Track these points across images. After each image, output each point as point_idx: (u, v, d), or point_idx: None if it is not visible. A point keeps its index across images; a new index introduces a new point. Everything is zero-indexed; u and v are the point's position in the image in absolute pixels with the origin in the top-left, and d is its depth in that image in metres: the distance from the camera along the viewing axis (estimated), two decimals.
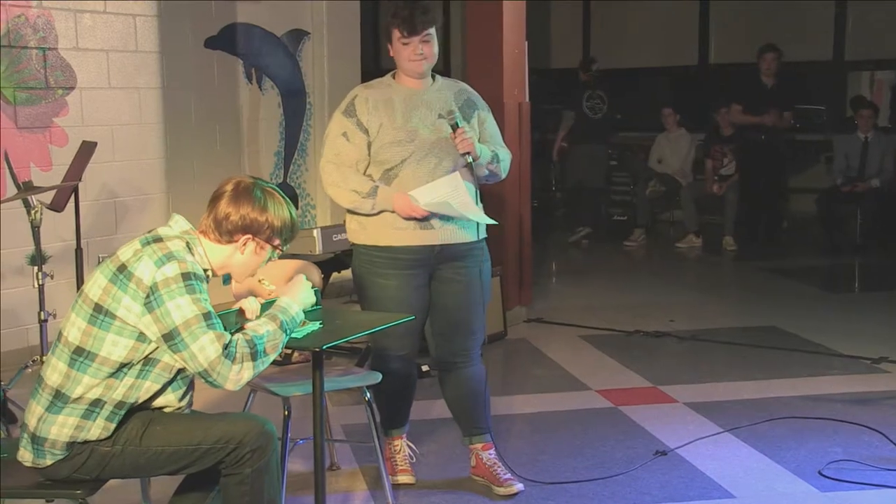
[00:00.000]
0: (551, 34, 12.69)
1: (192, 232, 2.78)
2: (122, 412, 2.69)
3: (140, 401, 2.71)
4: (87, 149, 4.92)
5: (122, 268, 2.65)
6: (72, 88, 5.69)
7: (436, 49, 3.64)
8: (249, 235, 2.76)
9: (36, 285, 4.55)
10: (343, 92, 7.15)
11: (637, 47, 12.10)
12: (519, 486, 3.77)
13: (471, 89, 3.84)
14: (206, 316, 2.61)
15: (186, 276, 2.62)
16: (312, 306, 3.13)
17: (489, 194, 6.14)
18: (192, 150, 6.34)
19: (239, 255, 2.79)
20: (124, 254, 2.69)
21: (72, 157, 4.99)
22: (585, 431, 4.47)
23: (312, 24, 7.10)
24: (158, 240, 2.69)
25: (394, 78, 3.73)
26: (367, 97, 3.66)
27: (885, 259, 8.54)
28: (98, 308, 2.64)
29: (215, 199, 2.78)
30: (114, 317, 2.62)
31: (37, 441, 2.66)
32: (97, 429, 2.66)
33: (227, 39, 6.57)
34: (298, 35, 7.07)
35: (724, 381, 5.18)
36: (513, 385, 5.43)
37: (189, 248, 2.72)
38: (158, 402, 2.75)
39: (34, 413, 2.68)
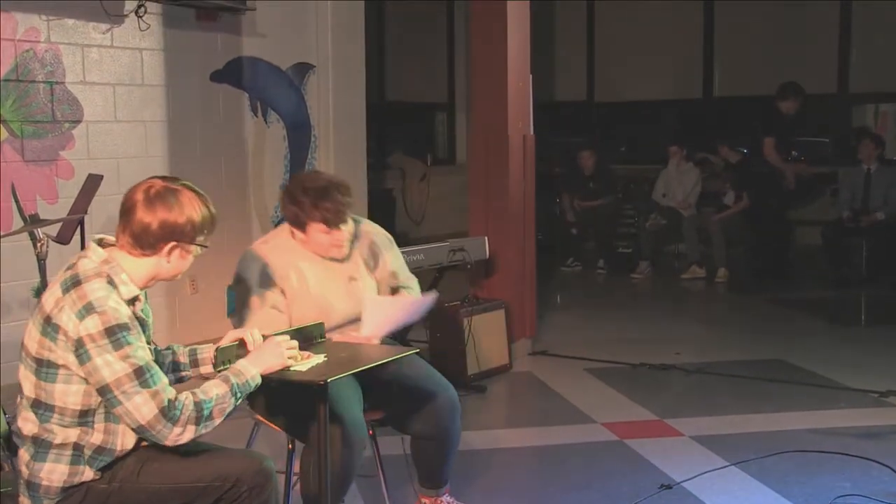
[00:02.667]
0: (556, 67, 12.77)
1: (112, 258, 2.62)
2: (109, 458, 2.61)
3: (123, 446, 2.62)
4: (92, 182, 4.94)
5: (48, 319, 2.53)
6: (78, 122, 5.73)
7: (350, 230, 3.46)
8: (174, 242, 2.64)
9: None
10: (348, 125, 7.27)
11: (641, 80, 12.16)
12: None
13: (370, 229, 3.64)
14: (138, 372, 2.48)
15: (111, 332, 2.48)
16: (318, 339, 3.10)
17: (494, 226, 6.16)
18: (197, 183, 6.23)
19: (165, 263, 2.66)
20: (48, 302, 2.56)
21: (78, 189, 5.01)
22: (591, 465, 4.44)
23: (318, 58, 7.15)
24: (77, 283, 2.53)
25: (293, 236, 3.47)
26: (276, 266, 3.39)
27: (892, 292, 8.50)
28: (39, 361, 2.55)
29: (127, 210, 2.63)
30: (57, 367, 2.53)
31: (31, 487, 2.60)
32: (91, 472, 2.60)
33: (232, 73, 6.61)
34: (304, 68, 7.11)
35: (731, 415, 5.15)
36: (518, 418, 5.41)
37: (111, 282, 2.57)
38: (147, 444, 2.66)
39: (23, 460, 2.62)
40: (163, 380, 2.54)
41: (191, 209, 2.65)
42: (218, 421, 2.59)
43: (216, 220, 2.72)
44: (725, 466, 4.33)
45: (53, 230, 4.74)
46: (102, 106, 5.85)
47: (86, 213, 4.81)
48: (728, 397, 5.49)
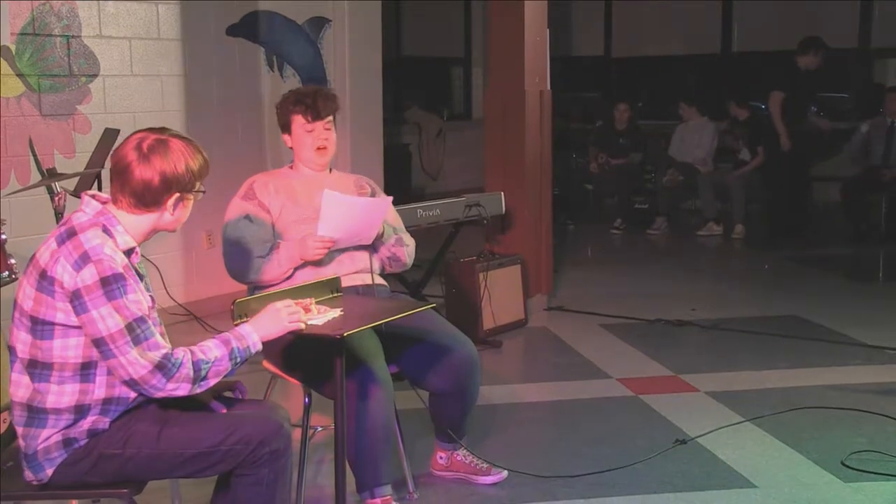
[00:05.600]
0: (573, 22, 12.64)
1: (108, 210, 2.57)
2: (122, 407, 2.55)
3: (132, 397, 2.55)
4: (109, 136, 4.95)
5: (44, 273, 2.47)
6: (95, 76, 5.72)
7: (335, 139, 3.62)
8: (177, 193, 2.58)
9: None
10: (365, 80, 7.24)
11: (659, 35, 12.04)
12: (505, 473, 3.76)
13: (370, 180, 3.82)
14: (131, 327, 2.44)
15: (106, 282, 2.43)
16: (334, 293, 3.12)
17: (511, 182, 6.15)
18: (214, 138, 6.35)
19: (168, 216, 2.61)
20: (42, 257, 2.50)
21: (95, 144, 5.02)
22: (606, 420, 4.46)
23: (334, 12, 7.11)
24: (73, 234, 2.49)
25: (291, 168, 3.70)
26: (266, 181, 3.60)
27: None
28: (34, 319, 2.48)
29: (122, 170, 2.54)
30: (53, 324, 2.47)
31: (29, 459, 2.53)
32: (87, 424, 2.53)
33: (248, 27, 6.58)
34: (320, 22, 7.07)
35: (747, 371, 5.16)
36: (533, 373, 5.43)
37: (106, 232, 2.52)
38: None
39: (19, 433, 2.55)
40: (156, 334, 2.50)
41: (187, 157, 2.57)
42: (213, 382, 2.55)
43: (208, 161, 2.66)
44: (740, 422, 4.35)
45: (71, 184, 4.76)
46: (119, 60, 5.84)
47: (103, 167, 4.82)
48: (743, 353, 5.49)
